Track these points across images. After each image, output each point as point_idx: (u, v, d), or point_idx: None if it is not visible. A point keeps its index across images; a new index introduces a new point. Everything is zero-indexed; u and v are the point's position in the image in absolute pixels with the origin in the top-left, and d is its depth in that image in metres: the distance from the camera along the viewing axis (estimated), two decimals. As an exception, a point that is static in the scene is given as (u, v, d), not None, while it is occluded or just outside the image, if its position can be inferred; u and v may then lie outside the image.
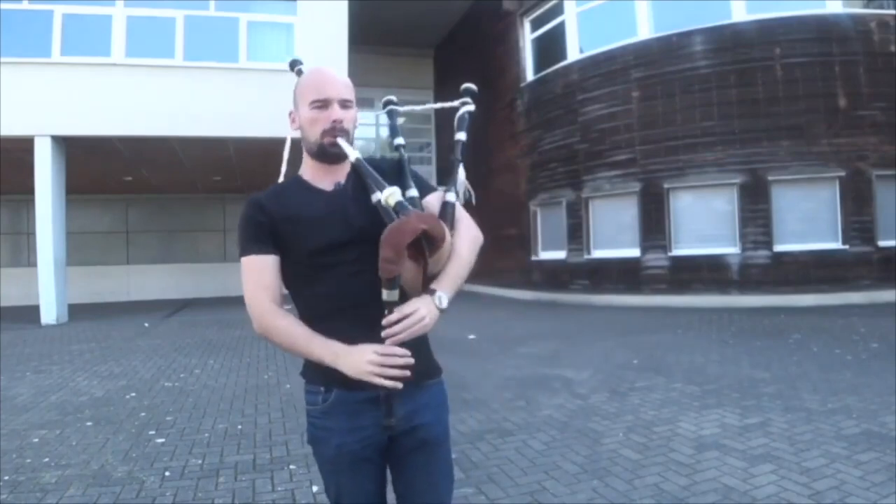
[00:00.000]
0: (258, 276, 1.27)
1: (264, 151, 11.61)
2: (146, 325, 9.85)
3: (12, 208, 15.24)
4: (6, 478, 3.01)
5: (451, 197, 1.31)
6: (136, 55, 10.04)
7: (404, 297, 1.20)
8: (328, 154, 1.29)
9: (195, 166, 12.83)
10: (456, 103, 1.47)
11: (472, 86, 1.48)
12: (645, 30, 10.59)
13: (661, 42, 10.31)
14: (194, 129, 10.12)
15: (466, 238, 1.31)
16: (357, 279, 1.24)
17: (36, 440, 3.65)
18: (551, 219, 12.22)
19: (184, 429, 3.85)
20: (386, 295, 1.17)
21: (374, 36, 15.95)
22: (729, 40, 9.77)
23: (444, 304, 1.21)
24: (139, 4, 10.14)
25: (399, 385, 1.17)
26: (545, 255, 12.46)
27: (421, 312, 1.17)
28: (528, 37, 13.11)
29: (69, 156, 10.35)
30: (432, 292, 1.22)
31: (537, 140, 12.44)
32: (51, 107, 9.61)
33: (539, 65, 12.76)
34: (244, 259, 1.28)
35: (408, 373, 1.18)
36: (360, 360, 1.17)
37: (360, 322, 1.22)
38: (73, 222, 12.12)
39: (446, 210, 1.30)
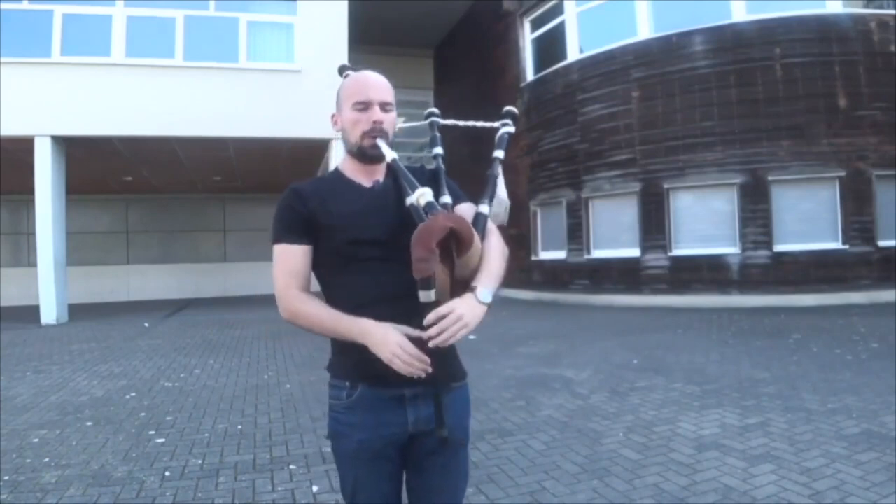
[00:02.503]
0: (288, 263, 1.29)
1: (264, 151, 11.65)
2: (146, 325, 9.85)
3: (12, 208, 15.24)
4: (6, 478, 3.01)
5: (483, 209, 1.33)
6: (136, 55, 10.05)
7: (435, 303, 1.18)
8: (367, 155, 1.33)
9: (195, 166, 12.83)
10: (497, 124, 1.51)
11: (514, 109, 1.54)
12: (645, 30, 10.59)
13: (661, 42, 10.31)
14: (194, 129, 10.12)
15: (496, 248, 1.31)
16: (387, 275, 1.25)
17: (36, 440, 3.65)
18: (551, 219, 12.22)
19: (184, 429, 3.85)
20: (422, 296, 1.16)
21: (374, 36, 15.95)
22: (729, 40, 9.77)
23: (487, 298, 1.19)
24: (139, 4, 10.14)
25: (421, 374, 1.17)
26: (545, 255, 12.46)
27: (458, 311, 1.14)
28: (528, 37, 13.11)
29: (69, 156, 10.35)
30: (472, 289, 1.20)
31: (537, 140, 12.44)
32: (51, 107, 9.62)
33: (539, 65, 12.76)
34: (277, 247, 1.30)
35: (424, 373, 1.17)
36: (386, 343, 1.17)
37: (386, 317, 1.22)
38: (73, 222, 12.12)
39: (478, 220, 1.31)
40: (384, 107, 1.33)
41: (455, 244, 1.17)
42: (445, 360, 1.27)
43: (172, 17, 10.30)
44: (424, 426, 1.29)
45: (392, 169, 1.36)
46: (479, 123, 1.62)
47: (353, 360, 1.27)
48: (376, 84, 1.35)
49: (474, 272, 1.24)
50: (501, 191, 1.46)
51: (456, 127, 1.67)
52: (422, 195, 1.23)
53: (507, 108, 1.52)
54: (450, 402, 1.32)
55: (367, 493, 1.31)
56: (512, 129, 1.49)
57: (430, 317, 1.14)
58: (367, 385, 1.28)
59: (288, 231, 1.29)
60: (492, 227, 1.35)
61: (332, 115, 1.40)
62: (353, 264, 1.27)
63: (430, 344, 1.14)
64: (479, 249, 1.24)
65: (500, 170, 1.44)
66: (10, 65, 9.45)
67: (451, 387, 1.33)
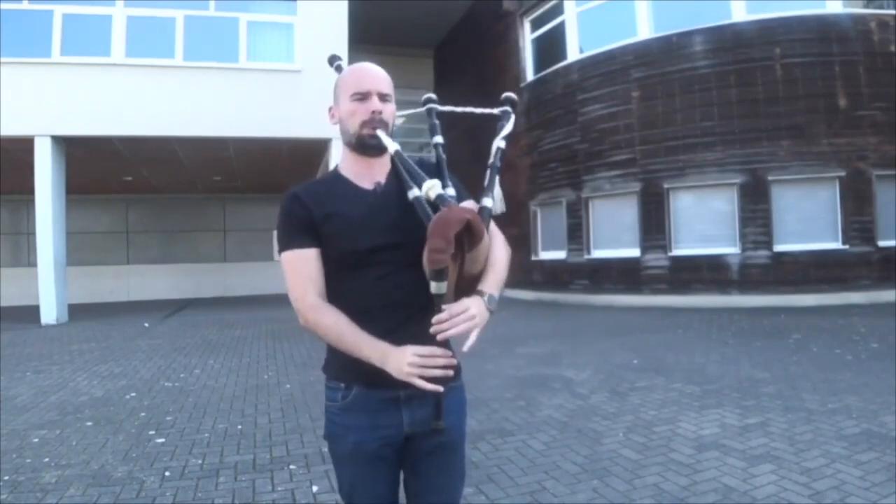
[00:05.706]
0: (302, 269, 1.26)
1: (264, 151, 11.65)
2: (146, 325, 9.85)
3: (12, 208, 15.24)
4: (6, 478, 3.01)
5: (487, 202, 1.28)
6: (136, 55, 10.04)
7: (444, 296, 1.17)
8: (367, 146, 1.29)
9: (195, 166, 12.83)
10: (496, 111, 1.46)
11: (513, 95, 1.48)
12: (645, 30, 10.60)
13: (661, 42, 10.31)
14: (194, 129, 10.12)
15: (502, 250, 1.30)
16: (388, 281, 1.24)
17: (36, 440, 3.65)
18: (551, 219, 12.22)
19: (184, 429, 3.85)
20: (434, 287, 1.14)
21: (374, 36, 15.96)
22: (729, 40, 9.77)
23: (494, 305, 1.20)
24: (139, 4, 10.14)
25: (440, 388, 1.16)
26: (545, 255, 12.46)
27: (472, 311, 1.15)
28: (528, 37, 13.11)
29: (69, 156, 10.35)
30: (481, 293, 1.19)
31: (537, 140, 12.44)
32: (51, 107, 9.61)
33: (539, 65, 12.76)
34: (286, 254, 1.28)
35: (451, 373, 1.17)
36: (401, 362, 1.16)
37: (389, 322, 1.22)
38: (73, 222, 12.12)
39: (483, 215, 1.26)
40: (383, 98, 1.29)
41: (468, 238, 1.15)
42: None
43: (172, 17, 10.29)
44: (420, 427, 1.28)
45: (394, 168, 1.33)
46: (478, 110, 1.57)
47: (347, 362, 1.25)
48: (375, 75, 1.31)
49: (481, 269, 1.23)
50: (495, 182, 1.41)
51: (453, 113, 1.61)
52: (431, 188, 1.20)
53: (507, 94, 1.47)
54: (447, 403, 1.29)
55: (364, 494, 1.31)
56: (512, 116, 1.44)
57: (444, 315, 1.13)
58: (362, 387, 1.27)
59: (294, 236, 1.27)
60: (495, 227, 1.33)
61: (330, 109, 1.37)
62: (354, 271, 1.26)
63: (439, 337, 1.14)
64: (488, 245, 1.23)
65: (500, 160, 1.36)
66: (10, 65, 9.45)
67: (448, 386, 1.29)
